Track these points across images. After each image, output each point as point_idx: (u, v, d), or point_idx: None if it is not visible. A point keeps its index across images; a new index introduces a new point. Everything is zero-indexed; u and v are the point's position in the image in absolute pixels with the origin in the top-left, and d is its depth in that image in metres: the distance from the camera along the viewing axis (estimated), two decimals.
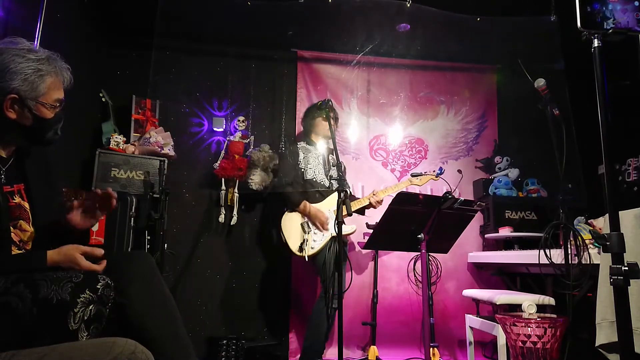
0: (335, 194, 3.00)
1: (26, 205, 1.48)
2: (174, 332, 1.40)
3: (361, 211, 3.18)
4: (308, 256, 2.89)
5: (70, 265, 1.31)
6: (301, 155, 3.15)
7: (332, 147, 2.52)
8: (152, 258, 1.49)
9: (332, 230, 2.92)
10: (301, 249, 2.92)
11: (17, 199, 1.46)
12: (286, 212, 3.07)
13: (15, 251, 1.42)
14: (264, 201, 3.76)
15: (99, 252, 1.36)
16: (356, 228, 3.11)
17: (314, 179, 3.09)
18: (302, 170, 3.11)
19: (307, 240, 2.93)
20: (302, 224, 2.99)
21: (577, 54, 2.73)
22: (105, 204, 1.58)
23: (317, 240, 2.94)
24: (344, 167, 3.29)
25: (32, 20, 2.48)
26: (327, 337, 2.96)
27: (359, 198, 3.17)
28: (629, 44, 1.38)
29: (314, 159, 3.14)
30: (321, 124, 3.20)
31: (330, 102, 2.68)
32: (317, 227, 2.97)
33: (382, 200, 3.09)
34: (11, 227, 1.41)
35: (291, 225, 3.01)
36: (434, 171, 3.17)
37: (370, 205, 3.11)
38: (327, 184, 3.13)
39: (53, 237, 1.50)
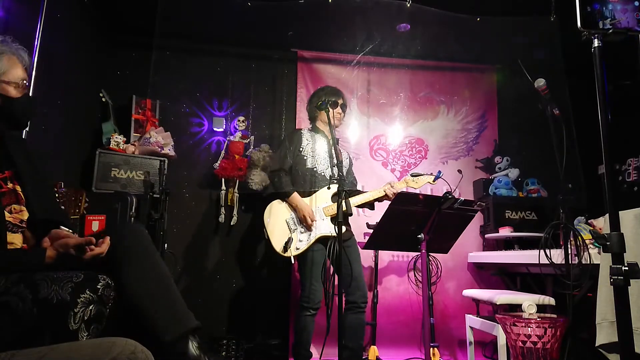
0: (330, 189, 2.82)
1: (18, 189, 1.50)
2: (168, 304, 1.39)
3: (371, 205, 2.96)
4: (294, 257, 2.66)
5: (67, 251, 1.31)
6: (304, 142, 2.90)
7: (334, 141, 2.39)
8: (146, 231, 1.49)
9: (317, 230, 2.73)
10: (285, 248, 2.67)
11: (10, 185, 1.48)
12: (270, 203, 2.84)
13: (16, 235, 1.43)
14: (264, 201, 3.75)
15: (89, 239, 1.32)
16: (345, 228, 2.78)
17: (315, 169, 2.86)
18: (305, 157, 2.87)
19: (292, 240, 2.69)
20: (287, 220, 2.76)
21: (577, 54, 2.73)
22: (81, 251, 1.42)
23: (303, 241, 2.71)
24: (350, 161, 3.13)
25: (32, 20, 2.48)
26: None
27: (364, 192, 2.94)
28: (629, 44, 1.38)
29: (319, 148, 2.91)
30: (324, 114, 2.88)
31: (330, 102, 2.59)
32: (301, 223, 2.75)
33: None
34: (7, 212, 1.43)
35: (275, 220, 2.77)
36: (432, 174, 2.89)
37: (385, 197, 2.82)
38: (328, 175, 2.88)
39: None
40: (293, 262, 2.69)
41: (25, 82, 1.51)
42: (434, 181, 2.86)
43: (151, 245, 1.45)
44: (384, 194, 2.81)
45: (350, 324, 2.70)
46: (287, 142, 2.94)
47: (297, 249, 2.68)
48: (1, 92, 1.45)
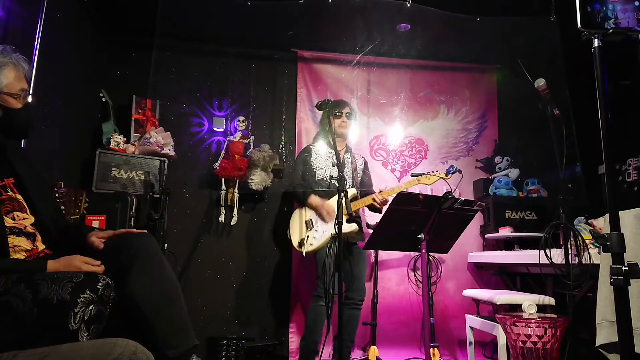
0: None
1: (19, 197, 1.51)
2: (170, 313, 1.40)
3: (376, 209, 3.15)
4: (306, 252, 2.95)
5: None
6: (313, 157, 3.17)
7: (337, 145, 2.48)
8: (153, 239, 1.50)
9: (330, 230, 2.93)
10: (301, 244, 2.98)
11: (10, 193, 1.48)
12: (296, 210, 3.14)
13: (21, 239, 1.44)
14: (264, 201, 3.76)
15: (97, 262, 1.37)
16: (357, 227, 3.03)
17: (324, 179, 3.11)
18: (315, 170, 3.14)
19: (307, 237, 2.99)
20: (307, 221, 3.04)
21: (577, 54, 2.73)
22: None
23: (317, 238, 2.96)
24: (365, 162, 3.34)
25: (32, 20, 2.48)
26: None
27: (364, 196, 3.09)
28: (629, 44, 1.38)
29: (325, 159, 3.16)
30: (333, 121, 3.10)
31: (331, 101, 2.59)
32: (324, 219, 2.99)
33: (387, 201, 3.01)
34: (9, 219, 1.44)
35: (298, 221, 3.09)
36: (439, 171, 3.05)
37: (373, 206, 3.07)
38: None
39: (62, 239, 1.52)
40: (304, 255, 2.96)
41: (25, 92, 1.52)
42: (447, 175, 3.05)
43: (160, 256, 1.46)
44: (371, 202, 3.03)
45: (345, 318, 2.80)
46: (299, 163, 3.22)
47: (311, 244, 2.96)
48: (2, 104, 1.46)
